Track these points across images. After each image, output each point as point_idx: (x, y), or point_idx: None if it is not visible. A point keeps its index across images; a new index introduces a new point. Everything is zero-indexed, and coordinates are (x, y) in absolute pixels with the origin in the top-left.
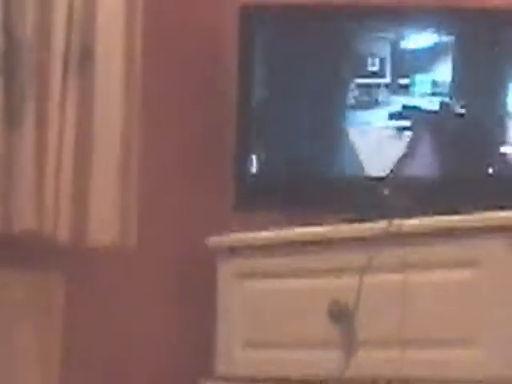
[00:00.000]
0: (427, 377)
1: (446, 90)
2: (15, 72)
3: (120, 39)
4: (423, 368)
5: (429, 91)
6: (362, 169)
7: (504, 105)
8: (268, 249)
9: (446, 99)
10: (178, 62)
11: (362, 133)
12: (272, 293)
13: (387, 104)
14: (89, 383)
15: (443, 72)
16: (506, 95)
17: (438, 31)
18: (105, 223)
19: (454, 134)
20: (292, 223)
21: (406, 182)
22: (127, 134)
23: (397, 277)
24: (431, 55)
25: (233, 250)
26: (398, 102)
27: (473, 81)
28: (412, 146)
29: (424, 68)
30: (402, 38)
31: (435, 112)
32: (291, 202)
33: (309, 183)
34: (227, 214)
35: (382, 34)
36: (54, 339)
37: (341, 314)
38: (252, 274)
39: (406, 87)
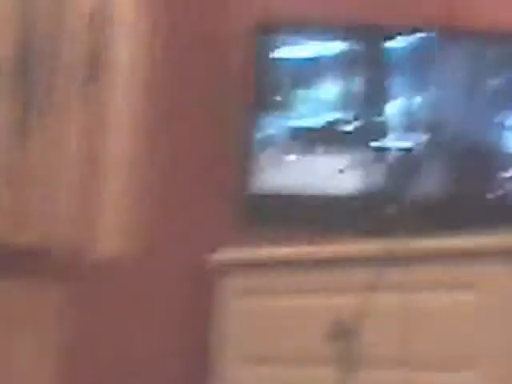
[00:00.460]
0: None
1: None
2: (26, 80)
3: (132, 50)
4: None
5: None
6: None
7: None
8: (272, 266)
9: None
10: (194, 74)
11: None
12: (272, 310)
13: None
14: None
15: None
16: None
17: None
18: (111, 235)
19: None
20: (294, 241)
21: (411, 202)
22: (134, 147)
23: (399, 297)
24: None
25: (233, 267)
26: None
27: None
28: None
29: None
30: None
31: None
32: (296, 220)
33: (311, 201)
34: (232, 230)
35: None
36: (54, 352)
37: (341, 333)
38: (252, 291)
39: None
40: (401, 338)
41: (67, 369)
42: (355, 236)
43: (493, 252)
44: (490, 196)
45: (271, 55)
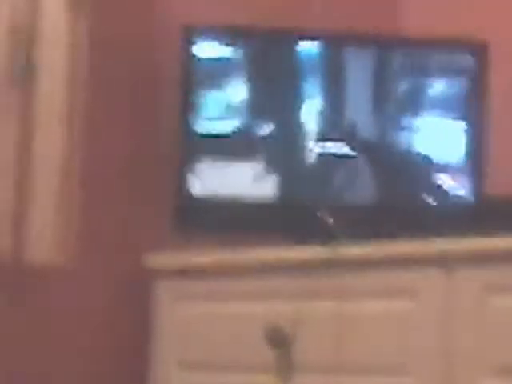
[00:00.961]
0: None
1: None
2: None
3: (63, 53)
4: None
5: None
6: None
7: None
8: (206, 271)
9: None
10: (121, 76)
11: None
12: (209, 315)
13: None
14: None
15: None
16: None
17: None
18: (42, 241)
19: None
20: (231, 246)
21: (345, 209)
22: (68, 150)
23: (335, 303)
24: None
25: (169, 271)
26: None
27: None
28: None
29: None
30: None
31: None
32: (231, 225)
33: (248, 206)
34: (166, 234)
35: None
36: None
37: (278, 339)
38: (189, 296)
39: None
40: (337, 344)
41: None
42: (291, 242)
43: (429, 258)
44: (421, 202)
45: (193, 56)
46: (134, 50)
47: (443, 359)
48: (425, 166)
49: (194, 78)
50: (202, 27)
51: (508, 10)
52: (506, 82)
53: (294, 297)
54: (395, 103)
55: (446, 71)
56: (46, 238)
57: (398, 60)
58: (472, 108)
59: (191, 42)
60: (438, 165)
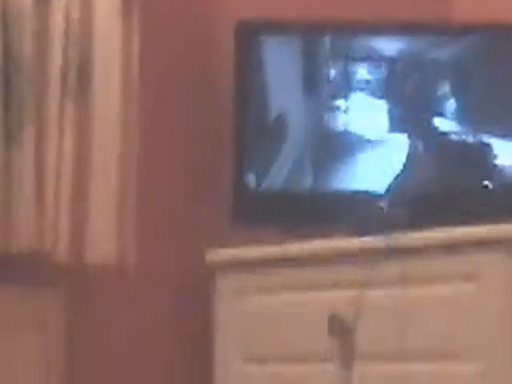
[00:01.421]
0: None
1: None
2: (14, 93)
3: (117, 61)
4: (423, 382)
5: None
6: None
7: None
8: (267, 263)
9: None
10: (175, 81)
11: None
12: (271, 307)
13: None
14: None
15: None
16: None
17: None
18: (103, 241)
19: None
20: (291, 238)
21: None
22: (125, 154)
23: (397, 291)
24: None
25: (231, 265)
26: None
27: None
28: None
29: None
30: None
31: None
32: (290, 217)
33: (307, 198)
34: (225, 229)
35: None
36: (54, 357)
37: (340, 329)
38: (251, 289)
39: None
40: (400, 332)
41: (64, 375)
42: (350, 232)
43: (491, 242)
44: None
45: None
46: (188, 48)
47: (509, 344)
48: (480, 150)
49: (250, 75)
50: (259, 22)
51: None
52: None
53: (355, 285)
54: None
55: None
56: (106, 238)
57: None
58: None
59: (247, 39)
60: (492, 147)
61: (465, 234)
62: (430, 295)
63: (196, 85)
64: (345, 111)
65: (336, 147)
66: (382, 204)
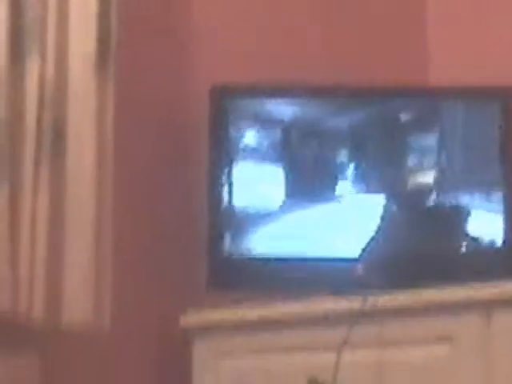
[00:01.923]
0: None
1: None
2: None
3: (92, 121)
4: None
5: None
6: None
7: None
8: (243, 327)
9: None
10: (150, 142)
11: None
12: (249, 371)
13: None
14: None
15: None
16: None
17: None
18: (79, 302)
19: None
20: (266, 301)
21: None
22: (100, 213)
23: (373, 353)
24: None
25: (207, 329)
26: None
27: None
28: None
29: None
30: None
31: None
32: (265, 281)
33: (282, 262)
34: (201, 293)
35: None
36: None
37: None
38: (228, 352)
39: None
40: None
41: None
42: (325, 295)
43: (465, 304)
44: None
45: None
46: (162, 111)
47: None
48: (454, 213)
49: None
50: (234, 86)
51: None
52: None
53: (333, 348)
54: None
55: None
56: (82, 299)
57: None
58: None
59: (221, 102)
60: (467, 211)
61: (439, 296)
62: (406, 357)
63: (171, 146)
64: None
65: None
66: (357, 266)
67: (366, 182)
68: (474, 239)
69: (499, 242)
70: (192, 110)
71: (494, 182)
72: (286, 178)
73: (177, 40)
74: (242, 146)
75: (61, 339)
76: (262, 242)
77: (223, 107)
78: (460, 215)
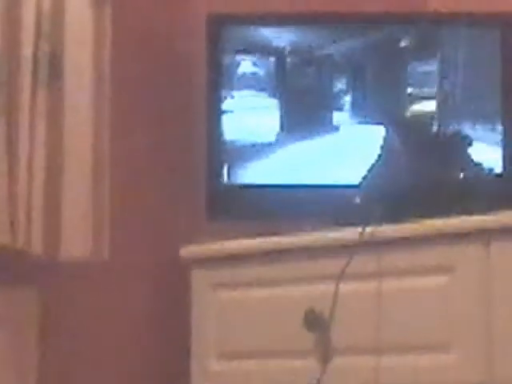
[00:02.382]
0: (403, 383)
1: None
2: None
3: (89, 49)
4: (399, 374)
5: None
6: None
7: None
8: (242, 258)
9: None
10: (147, 72)
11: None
12: (246, 302)
13: None
14: None
15: None
16: None
17: None
18: (77, 236)
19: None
20: (265, 232)
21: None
22: (98, 145)
23: (372, 284)
24: None
25: (206, 260)
26: None
27: None
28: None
29: None
30: None
31: None
32: (264, 211)
33: (281, 192)
34: (200, 224)
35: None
36: (29, 351)
37: (316, 323)
38: (226, 284)
39: None
40: (376, 325)
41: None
42: (326, 225)
43: (466, 234)
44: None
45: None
46: (159, 40)
47: (484, 334)
48: (455, 142)
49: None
50: (230, 15)
51: None
52: None
53: (331, 279)
54: None
55: None
56: (80, 233)
57: None
58: None
59: (218, 31)
60: (468, 140)
61: (440, 226)
62: (406, 288)
63: (168, 74)
64: None
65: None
66: (358, 196)
67: (364, 111)
68: (475, 167)
69: (499, 170)
70: (189, 39)
71: (495, 110)
72: (282, 107)
73: None
74: (239, 75)
75: (59, 274)
76: (260, 172)
77: (220, 36)
78: (461, 144)
